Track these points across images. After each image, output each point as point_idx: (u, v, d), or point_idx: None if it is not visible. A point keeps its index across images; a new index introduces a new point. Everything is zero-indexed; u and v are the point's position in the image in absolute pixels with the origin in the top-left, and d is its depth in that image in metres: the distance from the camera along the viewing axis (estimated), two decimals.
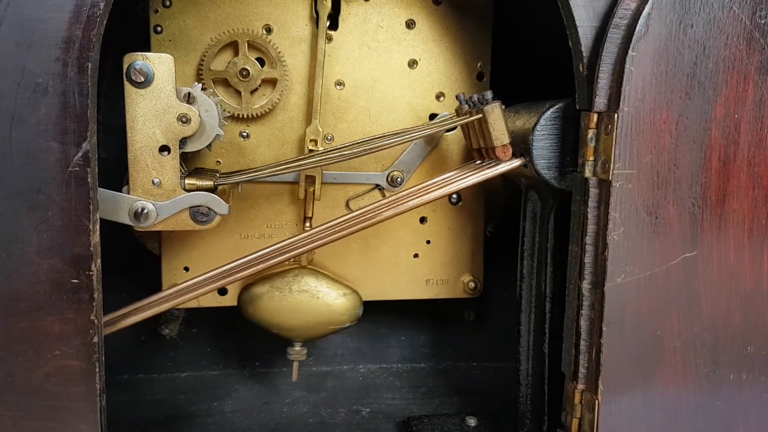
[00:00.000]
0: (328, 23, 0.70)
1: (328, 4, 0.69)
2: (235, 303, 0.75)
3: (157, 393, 0.81)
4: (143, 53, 0.57)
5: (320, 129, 0.71)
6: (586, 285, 0.54)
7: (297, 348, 0.75)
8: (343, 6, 0.71)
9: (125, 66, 0.56)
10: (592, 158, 0.53)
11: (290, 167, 0.64)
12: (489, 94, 0.62)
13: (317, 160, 0.64)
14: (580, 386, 0.56)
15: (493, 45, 0.74)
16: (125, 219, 0.59)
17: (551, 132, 0.57)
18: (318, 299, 0.71)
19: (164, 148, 0.58)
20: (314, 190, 0.71)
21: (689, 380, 0.56)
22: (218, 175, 0.63)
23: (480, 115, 0.61)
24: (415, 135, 0.65)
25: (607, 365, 0.54)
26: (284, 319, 0.71)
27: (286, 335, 0.74)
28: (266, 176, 0.64)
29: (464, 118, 0.63)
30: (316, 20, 0.70)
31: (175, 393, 0.81)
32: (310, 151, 0.70)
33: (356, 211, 0.62)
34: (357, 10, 0.71)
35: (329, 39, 0.71)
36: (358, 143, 0.64)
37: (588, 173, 0.54)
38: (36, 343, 0.51)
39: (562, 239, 0.60)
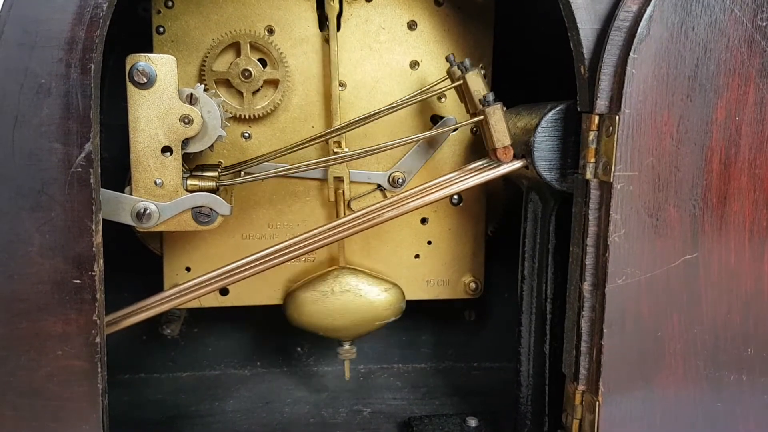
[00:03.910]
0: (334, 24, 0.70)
1: (337, 5, 0.69)
2: (235, 303, 0.75)
3: (158, 393, 0.81)
4: (146, 54, 0.57)
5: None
6: (587, 286, 0.55)
7: (346, 347, 0.75)
8: (345, 7, 0.71)
9: (128, 67, 0.56)
10: (593, 160, 0.53)
11: (292, 168, 0.64)
12: (490, 96, 0.62)
13: (320, 161, 0.65)
14: (581, 387, 0.56)
15: (494, 46, 0.74)
16: (127, 219, 0.59)
17: (552, 134, 0.57)
18: (361, 297, 0.72)
19: (166, 149, 0.58)
20: (343, 191, 0.71)
21: (690, 381, 0.56)
22: (219, 170, 0.63)
23: (482, 117, 0.62)
24: (419, 138, 0.65)
25: (607, 366, 0.54)
26: (330, 320, 0.72)
27: (333, 336, 0.74)
28: (268, 177, 0.64)
29: (471, 121, 0.64)
30: (319, 22, 0.70)
31: (177, 393, 0.81)
32: (335, 153, 0.70)
33: (358, 212, 0.62)
34: (359, 12, 0.71)
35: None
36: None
37: (589, 175, 0.54)
38: (38, 343, 0.51)
39: (563, 240, 0.60)
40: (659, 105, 0.51)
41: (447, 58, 0.65)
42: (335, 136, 0.68)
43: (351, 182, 0.72)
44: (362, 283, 0.72)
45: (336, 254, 0.74)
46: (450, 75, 0.65)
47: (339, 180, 0.72)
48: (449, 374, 0.88)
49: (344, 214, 0.72)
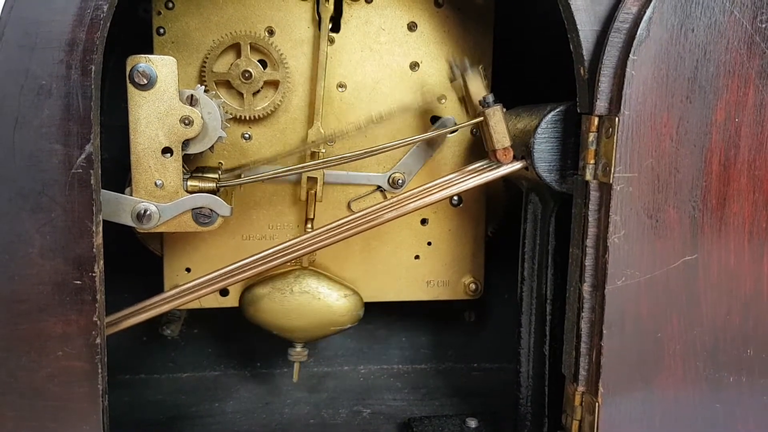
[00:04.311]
0: (330, 26, 0.70)
1: (331, 6, 0.70)
2: (236, 304, 0.75)
3: (158, 393, 0.81)
4: (146, 55, 0.57)
5: (322, 131, 0.71)
6: (586, 287, 0.55)
7: (298, 349, 0.75)
8: (345, 8, 0.71)
9: (128, 68, 0.57)
10: (593, 161, 0.54)
11: (291, 170, 0.64)
12: (490, 97, 0.62)
13: (318, 162, 0.65)
14: (581, 388, 0.56)
15: (494, 47, 0.74)
16: (128, 220, 0.59)
17: (552, 135, 0.57)
18: (319, 300, 0.72)
19: (167, 150, 0.58)
20: (315, 192, 0.71)
21: (689, 383, 0.56)
22: (220, 173, 0.64)
23: (481, 118, 0.62)
24: (417, 139, 0.65)
25: (607, 367, 0.54)
26: (285, 320, 0.72)
27: (286, 336, 0.74)
28: (268, 177, 0.64)
29: (468, 123, 0.64)
30: (318, 22, 0.71)
31: (177, 393, 0.81)
32: (312, 152, 0.71)
33: (358, 212, 0.62)
34: (359, 13, 0.71)
35: (331, 41, 0.71)
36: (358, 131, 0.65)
37: (589, 176, 0.54)
38: (38, 344, 0.51)
39: (563, 242, 0.60)
40: (659, 106, 0.51)
41: (448, 61, 0.65)
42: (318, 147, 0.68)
43: (351, 185, 0.72)
44: (322, 286, 0.72)
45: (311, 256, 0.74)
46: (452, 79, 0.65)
47: (313, 180, 0.72)
48: (449, 375, 0.88)
49: (314, 214, 0.72)
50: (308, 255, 0.73)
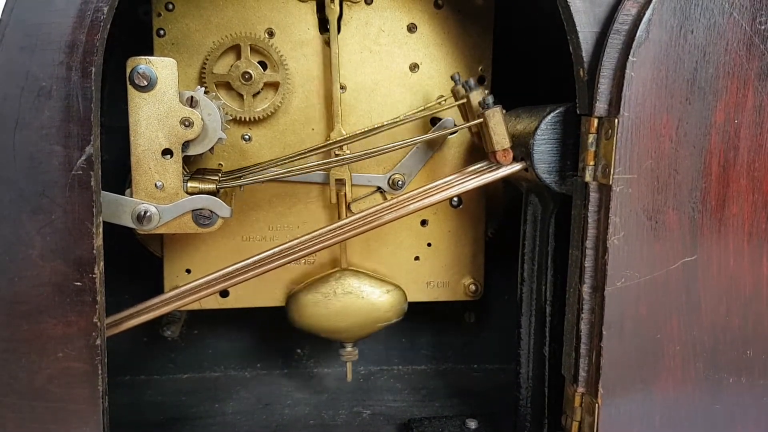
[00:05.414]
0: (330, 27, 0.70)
1: (337, 8, 0.70)
2: (236, 305, 0.75)
3: (158, 395, 0.81)
4: (146, 57, 0.57)
5: (344, 132, 0.71)
6: (586, 289, 0.55)
7: (349, 349, 0.75)
8: (345, 10, 0.71)
9: (128, 70, 0.57)
10: (592, 163, 0.54)
11: (292, 170, 0.64)
12: (490, 99, 0.62)
13: (319, 164, 0.65)
14: (580, 389, 0.56)
15: (494, 49, 0.74)
16: (128, 222, 0.59)
17: (552, 136, 0.57)
18: (363, 299, 0.72)
19: (167, 152, 0.58)
20: (345, 193, 0.72)
21: (689, 384, 0.56)
22: (220, 174, 0.64)
23: (481, 120, 0.62)
24: (418, 140, 0.65)
25: (607, 368, 0.54)
26: (332, 322, 0.72)
27: (335, 338, 0.74)
28: (268, 179, 0.65)
29: (467, 124, 0.64)
30: (319, 24, 0.71)
31: (177, 395, 0.81)
32: (336, 155, 0.71)
33: (358, 213, 0.62)
34: (359, 14, 0.72)
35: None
36: (362, 136, 0.65)
37: (588, 177, 0.54)
38: (39, 345, 0.51)
39: (563, 243, 0.60)
40: (658, 108, 0.51)
41: (452, 77, 0.66)
42: (335, 147, 0.69)
43: (352, 185, 0.72)
44: (364, 284, 0.73)
45: (338, 256, 0.74)
46: (454, 93, 0.66)
47: (341, 182, 0.72)
48: (449, 376, 0.88)
49: (345, 216, 0.72)
50: (345, 255, 0.74)
